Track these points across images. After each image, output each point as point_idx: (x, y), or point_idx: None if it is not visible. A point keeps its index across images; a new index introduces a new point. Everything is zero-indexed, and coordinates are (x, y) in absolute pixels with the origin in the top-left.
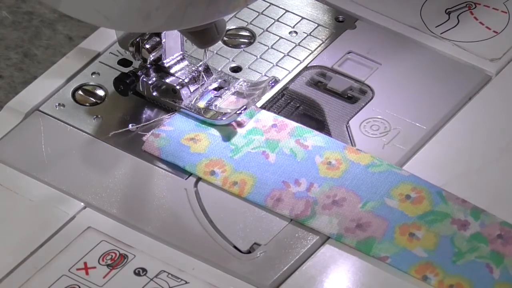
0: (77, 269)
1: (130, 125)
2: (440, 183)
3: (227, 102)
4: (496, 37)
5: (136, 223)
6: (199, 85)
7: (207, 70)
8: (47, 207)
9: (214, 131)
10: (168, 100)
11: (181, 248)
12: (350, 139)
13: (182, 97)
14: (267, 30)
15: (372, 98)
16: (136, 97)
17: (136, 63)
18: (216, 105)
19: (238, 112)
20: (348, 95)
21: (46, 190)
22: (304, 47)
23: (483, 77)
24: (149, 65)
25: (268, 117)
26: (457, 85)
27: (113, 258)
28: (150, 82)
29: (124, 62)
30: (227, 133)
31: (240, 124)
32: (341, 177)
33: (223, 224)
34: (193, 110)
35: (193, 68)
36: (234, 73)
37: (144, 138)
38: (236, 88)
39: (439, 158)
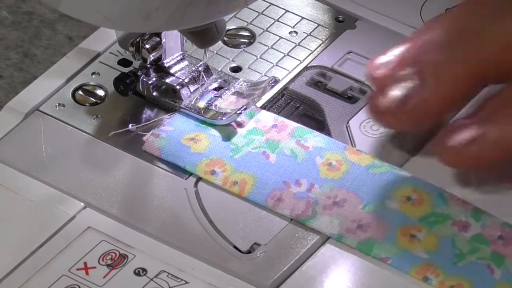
0: (77, 269)
1: (130, 125)
2: (440, 184)
3: (227, 102)
4: None
5: (136, 223)
6: (199, 85)
7: (207, 70)
8: (47, 207)
9: (214, 132)
10: (168, 100)
11: (181, 248)
12: (350, 139)
13: (182, 97)
14: (267, 30)
15: None
16: (136, 97)
17: (136, 63)
18: (216, 105)
19: (238, 112)
20: (348, 95)
21: (46, 190)
22: (304, 47)
23: None
24: (149, 65)
25: (268, 118)
26: None
27: (113, 258)
28: (150, 82)
29: (124, 62)
30: (227, 133)
31: (240, 125)
32: (342, 178)
33: (223, 224)
34: (193, 110)
35: (193, 68)
36: (234, 73)
37: (144, 138)
38: (236, 88)
39: None
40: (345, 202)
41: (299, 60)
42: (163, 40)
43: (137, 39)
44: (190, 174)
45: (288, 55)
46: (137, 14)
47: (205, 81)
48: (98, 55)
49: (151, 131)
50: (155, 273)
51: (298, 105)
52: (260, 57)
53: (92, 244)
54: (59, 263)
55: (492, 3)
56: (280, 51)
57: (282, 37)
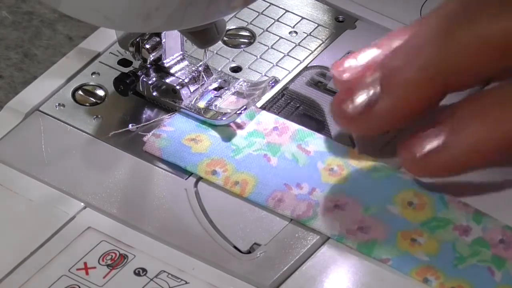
0: (77, 269)
1: (130, 125)
2: (441, 186)
3: (227, 102)
4: None
5: (136, 223)
6: (199, 85)
7: (207, 70)
8: (47, 207)
9: (215, 133)
10: (168, 100)
11: (181, 248)
12: (350, 139)
13: (182, 97)
14: (267, 30)
15: None
16: (136, 97)
17: (136, 63)
18: (216, 105)
19: (238, 112)
20: None
21: (46, 190)
22: (304, 47)
23: None
24: (149, 65)
25: (269, 120)
26: None
27: (113, 258)
28: (150, 82)
29: (124, 62)
30: (228, 134)
31: (240, 126)
32: (343, 184)
33: (223, 224)
34: (193, 110)
35: (193, 68)
36: (234, 73)
37: (145, 139)
38: (236, 88)
39: None
40: (347, 206)
41: (299, 60)
42: (163, 40)
43: (137, 39)
44: (190, 174)
45: (288, 55)
46: (137, 14)
47: (205, 81)
48: (98, 55)
49: (152, 132)
50: (155, 273)
51: (298, 105)
52: (260, 57)
53: (92, 244)
54: (59, 263)
55: (460, 10)
56: (280, 51)
57: (282, 37)
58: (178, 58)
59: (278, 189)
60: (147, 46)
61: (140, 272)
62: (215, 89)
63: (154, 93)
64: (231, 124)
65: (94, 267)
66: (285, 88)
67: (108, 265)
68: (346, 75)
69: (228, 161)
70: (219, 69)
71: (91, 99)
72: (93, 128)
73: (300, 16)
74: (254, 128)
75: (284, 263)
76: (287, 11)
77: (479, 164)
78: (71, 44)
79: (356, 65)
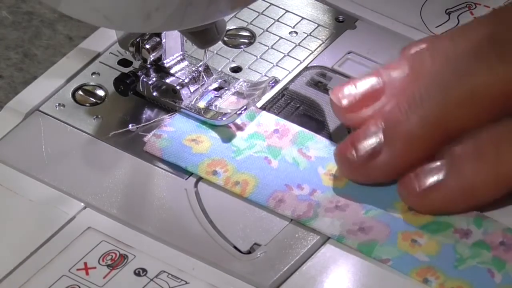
0: (77, 270)
1: (130, 125)
2: None
3: (227, 102)
4: None
5: (136, 224)
6: (199, 85)
7: (207, 70)
8: (47, 207)
9: (215, 134)
10: (168, 100)
11: (181, 248)
12: None
13: (182, 97)
14: (267, 30)
15: None
16: (136, 97)
17: (136, 63)
18: (216, 105)
19: (238, 112)
20: None
21: (46, 190)
22: (304, 47)
23: None
24: (149, 65)
25: (269, 121)
26: None
27: (113, 258)
28: (150, 82)
29: (124, 62)
30: (229, 135)
31: (240, 128)
32: (344, 188)
33: (223, 224)
34: (193, 110)
35: (193, 68)
36: (234, 73)
37: (146, 139)
38: (236, 88)
39: None
40: (347, 207)
41: (299, 60)
42: (163, 40)
43: (137, 39)
44: (190, 174)
45: (288, 55)
46: (137, 14)
47: (205, 81)
48: (98, 55)
49: (153, 132)
50: (155, 273)
51: (298, 105)
52: (260, 57)
53: (92, 245)
54: (59, 263)
55: (459, 60)
56: (280, 51)
57: (282, 37)
58: (178, 58)
59: (278, 189)
60: (147, 46)
61: (140, 272)
62: (215, 89)
63: (154, 93)
64: (232, 125)
65: (94, 267)
66: (285, 88)
67: (108, 265)
68: (345, 102)
69: (229, 162)
70: (219, 69)
71: (91, 99)
72: (93, 128)
73: (300, 16)
74: (254, 130)
75: (284, 263)
76: (287, 11)
77: (479, 202)
78: (71, 44)
79: (355, 93)
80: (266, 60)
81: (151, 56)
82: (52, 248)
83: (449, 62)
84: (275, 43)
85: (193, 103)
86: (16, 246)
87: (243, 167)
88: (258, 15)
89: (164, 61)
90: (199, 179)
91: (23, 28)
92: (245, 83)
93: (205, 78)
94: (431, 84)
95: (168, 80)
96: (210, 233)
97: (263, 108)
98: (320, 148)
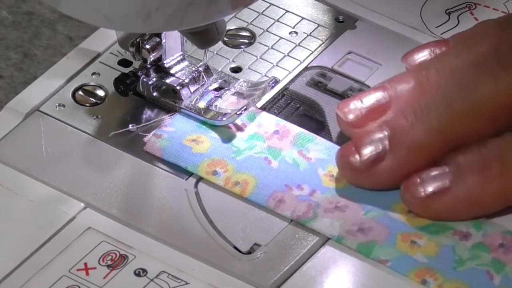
0: (77, 270)
1: (130, 125)
2: None
3: (227, 102)
4: None
5: (137, 224)
6: (199, 86)
7: (207, 70)
8: (47, 207)
9: (215, 134)
10: (168, 101)
11: (181, 248)
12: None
13: (182, 97)
14: (267, 30)
15: None
16: (136, 98)
17: (136, 64)
18: (216, 106)
19: (238, 112)
20: (348, 95)
21: (46, 190)
22: (304, 48)
23: None
24: (149, 66)
25: (270, 122)
26: None
27: (113, 258)
28: (150, 83)
29: (124, 63)
30: (229, 136)
31: (240, 129)
32: (344, 189)
33: (223, 225)
34: (193, 111)
35: (193, 69)
36: (234, 74)
37: (146, 139)
38: (236, 88)
39: None
40: (347, 208)
41: (299, 60)
42: (163, 41)
43: (137, 40)
44: (190, 174)
45: (288, 55)
46: (137, 14)
47: (205, 81)
48: (98, 55)
49: (153, 132)
50: (155, 273)
51: (298, 105)
52: (260, 58)
53: (92, 245)
54: (59, 263)
55: (462, 73)
56: (280, 52)
57: (282, 38)
58: (178, 59)
59: (278, 189)
60: (147, 47)
61: (140, 272)
62: (215, 89)
63: (154, 94)
64: (232, 126)
65: (94, 268)
66: (285, 88)
67: (108, 266)
68: (351, 117)
69: (229, 162)
70: (219, 70)
71: (91, 99)
72: (93, 128)
73: (300, 17)
74: (254, 131)
75: (284, 263)
76: (287, 11)
77: (482, 213)
78: (71, 44)
79: (361, 107)
80: (266, 60)
81: (151, 56)
82: (52, 249)
83: (454, 74)
84: (275, 43)
85: (193, 103)
86: (16, 246)
87: (243, 167)
88: (258, 15)
89: (164, 61)
90: (199, 179)
91: (23, 28)
92: (245, 83)
93: (205, 78)
94: (436, 95)
95: (168, 80)
96: (210, 234)
97: (263, 108)
98: (320, 150)
